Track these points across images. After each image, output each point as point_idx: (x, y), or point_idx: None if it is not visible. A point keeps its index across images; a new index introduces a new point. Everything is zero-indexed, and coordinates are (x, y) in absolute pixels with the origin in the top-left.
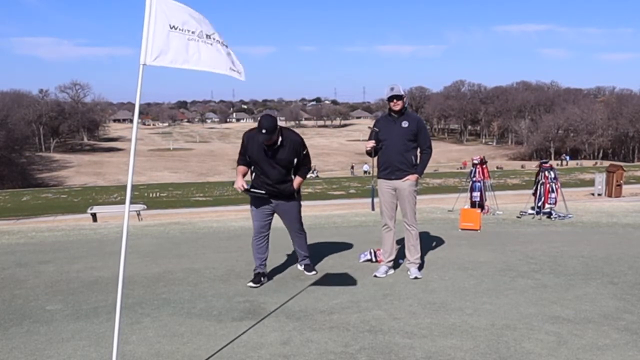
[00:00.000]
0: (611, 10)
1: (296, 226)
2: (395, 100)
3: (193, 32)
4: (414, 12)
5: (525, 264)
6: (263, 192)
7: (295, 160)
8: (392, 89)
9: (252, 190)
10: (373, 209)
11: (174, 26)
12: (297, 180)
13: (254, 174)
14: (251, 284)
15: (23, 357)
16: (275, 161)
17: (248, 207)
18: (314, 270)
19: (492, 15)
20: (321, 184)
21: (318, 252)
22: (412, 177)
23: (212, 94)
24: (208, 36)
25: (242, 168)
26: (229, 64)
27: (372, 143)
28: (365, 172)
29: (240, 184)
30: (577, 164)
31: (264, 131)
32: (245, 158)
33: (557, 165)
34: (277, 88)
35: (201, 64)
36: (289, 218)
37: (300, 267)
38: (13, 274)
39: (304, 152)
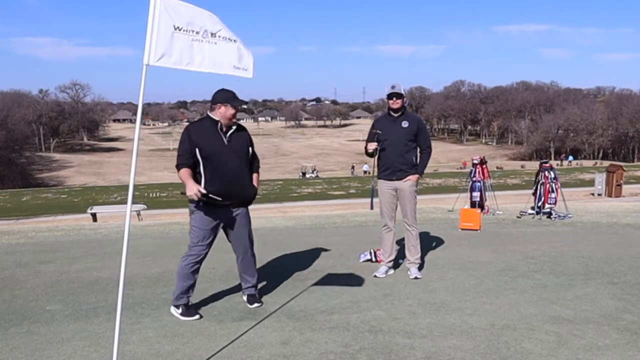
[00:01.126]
0: (611, 10)
1: (248, 242)
2: (394, 99)
3: (197, 33)
4: (414, 12)
5: (525, 264)
6: (220, 198)
7: (250, 150)
8: (393, 87)
9: (211, 195)
10: (372, 207)
11: (178, 27)
12: (255, 178)
13: (203, 177)
14: (187, 317)
15: (23, 357)
16: (236, 148)
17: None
18: (260, 302)
19: (492, 15)
20: (321, 184)
21: (318, 252)
22: (412, 178)
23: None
24: (213, 34)
25: (187, 171)
26: (234, 61)
27: (374, 145)
28: (365, 172)
29: (197, 188)
30: (577, 163)
31: (237, 96)
32: (190, 156)
33: (557, 165)
34: (277, 88)
35: (205, 65)
36: (241, 230)
37: (243, 297)
38: (13, 274)
39: (253, 144)
